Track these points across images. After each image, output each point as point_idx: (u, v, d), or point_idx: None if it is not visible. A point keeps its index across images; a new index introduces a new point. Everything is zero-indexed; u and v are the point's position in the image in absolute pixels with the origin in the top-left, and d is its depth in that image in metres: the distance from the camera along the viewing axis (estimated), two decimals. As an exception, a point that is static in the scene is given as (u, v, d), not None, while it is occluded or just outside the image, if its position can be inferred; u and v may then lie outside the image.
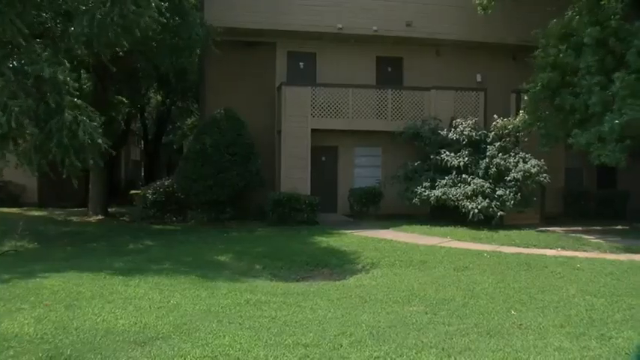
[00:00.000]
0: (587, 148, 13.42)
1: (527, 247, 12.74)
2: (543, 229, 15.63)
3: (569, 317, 6.61)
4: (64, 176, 11.84)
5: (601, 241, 13.38)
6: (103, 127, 12.14)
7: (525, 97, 15.82)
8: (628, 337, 5.63)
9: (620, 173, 19.28)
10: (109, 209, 20.61)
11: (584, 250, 12.37)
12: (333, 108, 18.30)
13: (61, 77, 10.99)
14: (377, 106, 18.69)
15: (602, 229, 14.50)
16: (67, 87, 11.34)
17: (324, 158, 18.92)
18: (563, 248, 12.60)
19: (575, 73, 14.03)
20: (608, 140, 12.68)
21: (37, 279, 8.48)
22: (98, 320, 6.17)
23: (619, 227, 15.98)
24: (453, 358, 4.97)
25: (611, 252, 12.10)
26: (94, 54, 13.32)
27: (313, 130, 17.90)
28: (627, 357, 4.96)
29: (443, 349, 5.25)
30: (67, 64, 11.54)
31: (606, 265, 10.40)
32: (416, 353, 5.10)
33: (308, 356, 4.99)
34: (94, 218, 19.08)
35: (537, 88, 14.85)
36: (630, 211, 18.33)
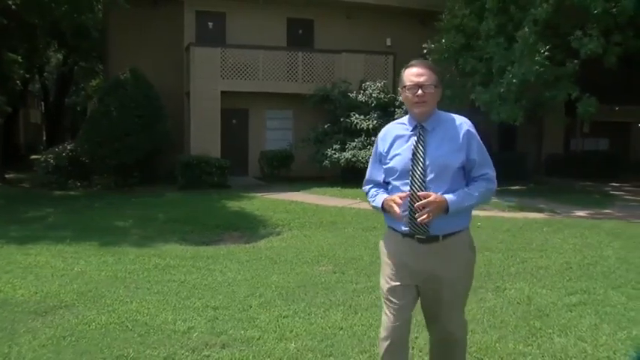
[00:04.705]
0: (489, 105, 14.12)
1: (433, 207, 13.21)
2: (448, 189, 16.23)
3: (469, 272, 6.96)
4: None
5: (500, 201, 14.06)
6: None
7: (430, 59, 16.22)
8: (520, 287, 6.01)
9: (519, 137, 20.74)
10: (7, 175, 19.48)
11: (485, 209, 12.97)
12: (243, 70, 18.04)
13: None
14: (288, 69, 18.60)
15: (501, 189, 15.20)
16: None
17: (234, 121, 18.68)
18: (465, 207, 13.15)
19: (479, 37, 14.58)
20: (507, 99, 13.52)
21: None
22: (-6, 291, 5.88)
23: (516, 187, 16.88)
24: (359, 314, 5.12)
25: (509, 210, 12.79)
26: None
27: (223, 92, 17.60)
28: (517, 306, 5.28)
29: (350, 306, 5.40)
30: None
31: (504, 222, 10.99)
32: (324, 311, 5.21)
33: (217, 318, 4.99)
34: (-11, 185, 18.00)
35: (442, 48, 15.31)
36: (528, 172, 19.49)
